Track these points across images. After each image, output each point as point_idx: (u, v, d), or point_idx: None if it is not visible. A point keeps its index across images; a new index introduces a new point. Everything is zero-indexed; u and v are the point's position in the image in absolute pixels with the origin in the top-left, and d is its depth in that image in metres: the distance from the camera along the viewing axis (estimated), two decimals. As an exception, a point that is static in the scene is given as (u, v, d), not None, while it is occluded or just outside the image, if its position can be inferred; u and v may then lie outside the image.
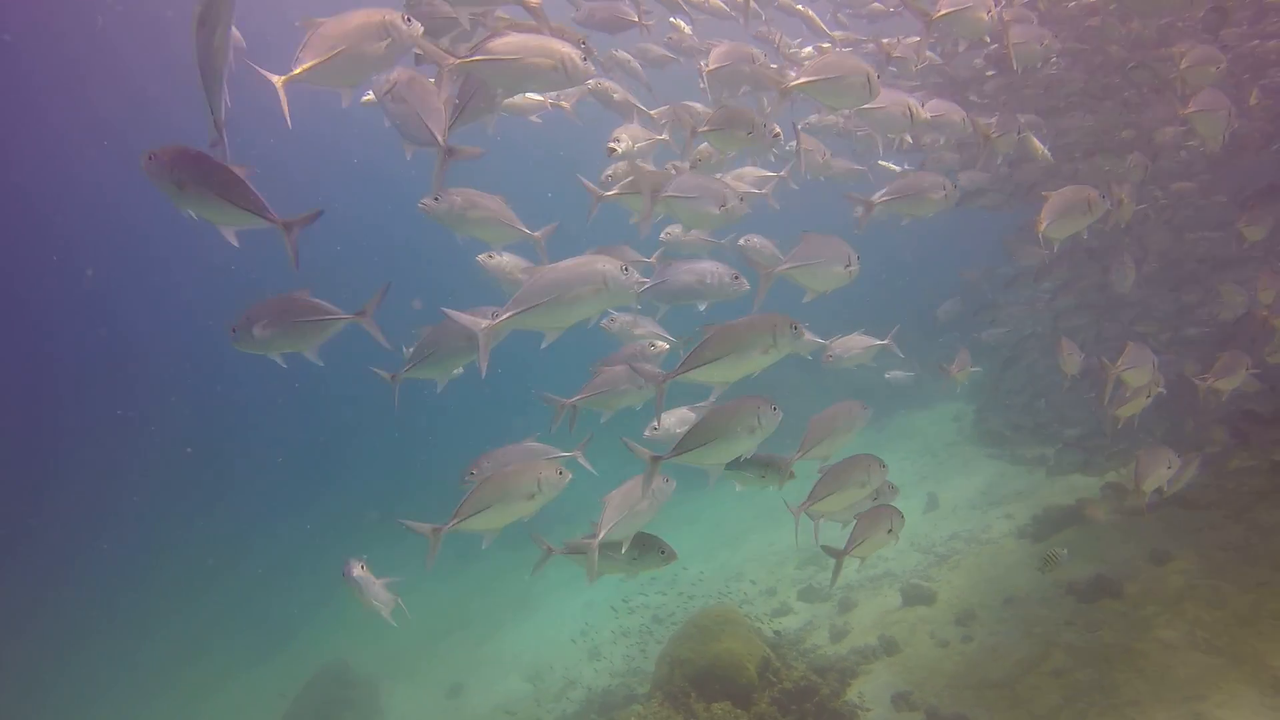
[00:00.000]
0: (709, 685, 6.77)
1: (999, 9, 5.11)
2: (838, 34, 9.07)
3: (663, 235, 5.85)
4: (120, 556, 21.27)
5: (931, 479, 13.20)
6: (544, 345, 3.99)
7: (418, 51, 5.51)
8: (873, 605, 8.90)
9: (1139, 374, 5.40)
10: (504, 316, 3.66)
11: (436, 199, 4.33)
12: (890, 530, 4.54)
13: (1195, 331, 9.04)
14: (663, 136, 5.82)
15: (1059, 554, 6.50)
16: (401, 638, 14.68)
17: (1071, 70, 8.21)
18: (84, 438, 27.30)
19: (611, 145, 5.28)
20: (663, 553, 4.24)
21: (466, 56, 3.74)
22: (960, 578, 8.73)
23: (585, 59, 3.95)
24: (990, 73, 8.43)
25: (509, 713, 10.00)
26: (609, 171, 5.43)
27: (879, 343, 5.55)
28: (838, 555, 4.52)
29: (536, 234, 4.67)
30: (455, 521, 3.72)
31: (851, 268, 4.60)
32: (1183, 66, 5.83)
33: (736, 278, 4.63)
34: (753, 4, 7.23)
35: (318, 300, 3.97)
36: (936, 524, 11.29)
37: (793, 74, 4.87)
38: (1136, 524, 8.25)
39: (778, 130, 5.16)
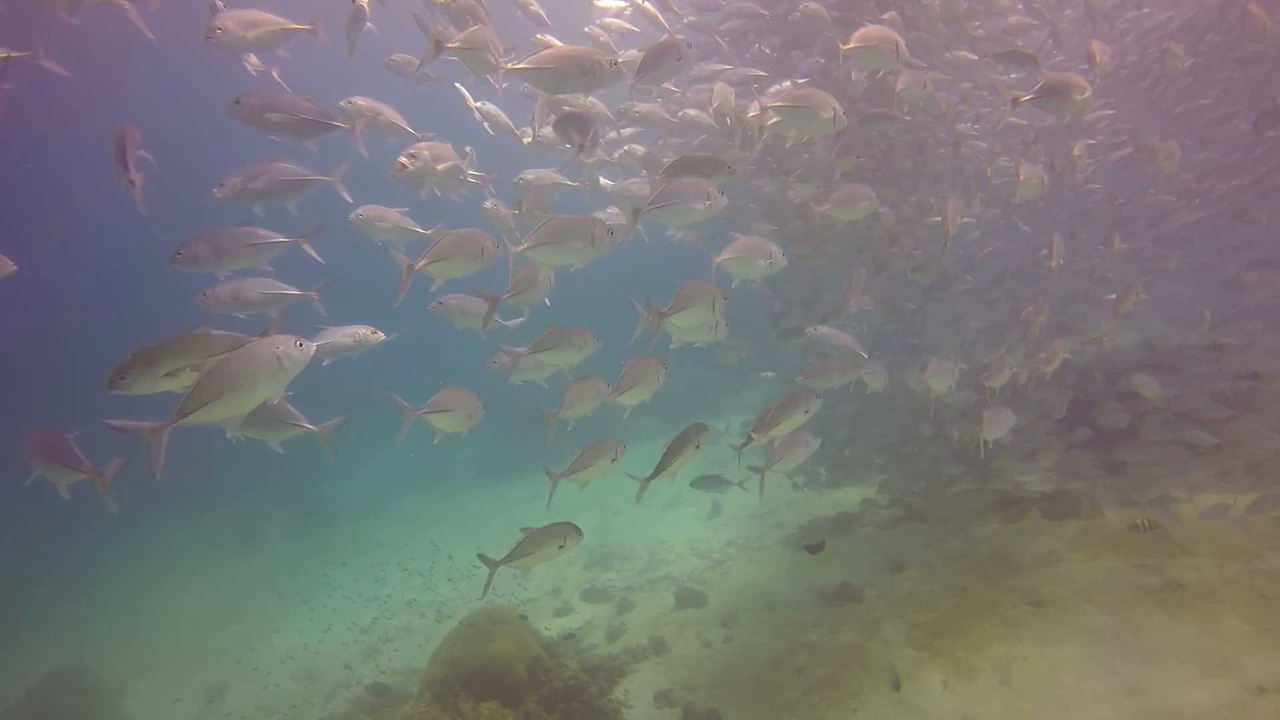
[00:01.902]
0: (479, 685, 6.82)
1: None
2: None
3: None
4: None
5: (718, 488, 13.98)
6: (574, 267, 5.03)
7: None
8: (649, 606, 9.35)
9: (940, 381, 6.92)
10: (525, 246, 4.56)
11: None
12: (807, 445, 5.52)
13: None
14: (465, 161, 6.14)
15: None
16: (161, 635, 13.44)
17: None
18: None
19: (403, 160, 5.50)
20: (561, 546, 4.63)
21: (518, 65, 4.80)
22: (730, 582, 9.39)
23: (612, 65, 4.92)
24: None
25: (270, 713, 9.44)
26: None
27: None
28: (761, 471, 5.48)
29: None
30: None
31: (774, 261, 5.41)
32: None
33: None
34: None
35: None
36: (717, 531, 12.05)
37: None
38: (883, 536, 9.32)
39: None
